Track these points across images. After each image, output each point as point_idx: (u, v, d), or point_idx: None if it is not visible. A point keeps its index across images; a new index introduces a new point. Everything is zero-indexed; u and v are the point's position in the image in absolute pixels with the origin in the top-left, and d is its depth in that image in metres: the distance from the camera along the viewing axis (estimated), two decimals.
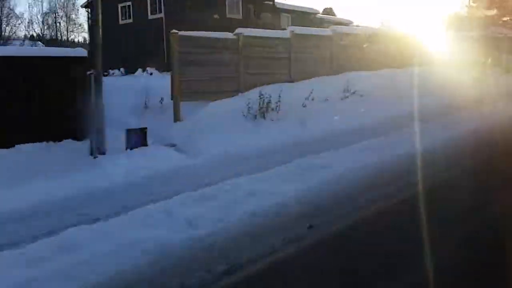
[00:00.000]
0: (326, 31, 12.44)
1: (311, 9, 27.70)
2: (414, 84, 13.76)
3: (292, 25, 24.91)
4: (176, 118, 8.85)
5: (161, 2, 18.16)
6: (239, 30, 10.03)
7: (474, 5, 27.49)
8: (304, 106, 10.33)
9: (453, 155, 5.97)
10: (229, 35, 9.84)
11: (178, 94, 8.79)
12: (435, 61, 16.61)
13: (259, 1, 21.09)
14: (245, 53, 10.11)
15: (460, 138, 6.95)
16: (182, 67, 8.85)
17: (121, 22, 19.86)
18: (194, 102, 9.55)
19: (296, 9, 25.90)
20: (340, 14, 64.96)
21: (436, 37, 17.32)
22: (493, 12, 26.33)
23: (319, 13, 28.00)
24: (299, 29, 11.46)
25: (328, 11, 61.67)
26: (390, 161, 5.28)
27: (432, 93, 12.93)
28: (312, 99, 10.47)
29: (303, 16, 27.06)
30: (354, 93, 11.66)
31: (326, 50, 12.35)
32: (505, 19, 26.84)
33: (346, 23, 34.19)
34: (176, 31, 8.72)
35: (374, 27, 17.32)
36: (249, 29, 10.37)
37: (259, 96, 9.41)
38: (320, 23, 28.64)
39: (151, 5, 18.64)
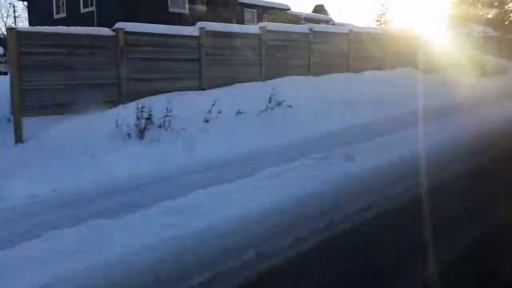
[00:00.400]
0: (252, 29, 10.31)
1: (282, 4, 25.51)
2: (361, 92, 11.68)
3: (258, 22, 22.80)
4: (18, 138, 6.75)
5: None
6: (119, 24, 7.91)
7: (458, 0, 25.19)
8: (206, 122, 8.22)
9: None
10: (104, 31, 7.75)
11: (18, 107, 6.69)
12: (399, 63, 14.51)
13: None
14: (130, 54, 8.01)
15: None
16: (26, 71, 6.77)
17: (55, 16, 17.74)
18: (57, 116, 7.49)
19: (263, 4, 23.71)
20: (334, 13, 62.63)
21: (405, 37, 15.19)
22: (478, 8, 24.12)
23: (290, 9, 25.76)
24: (212, 25, 9.34)
25: (319, 9, 59.81)
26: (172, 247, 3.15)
27: (378, 104, 10.82)
28: (219, 112, 8.35)
29: (272, 12, 24.86)
30: (280, 104, 9.55)
31: (252, 51, 10.23)
32: (490, 16, 24.59)
33: (327, 21, 32.04)
34: (14, 26, 6.61)
35: (332, 26, 15.22)
36: (135, 23, 8.25)
37: (137, 109, 7.32)
38: (294, 20, 26.47)
39: None
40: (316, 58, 11.82)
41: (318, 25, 12.08)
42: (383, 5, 29.07)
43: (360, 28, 13.46)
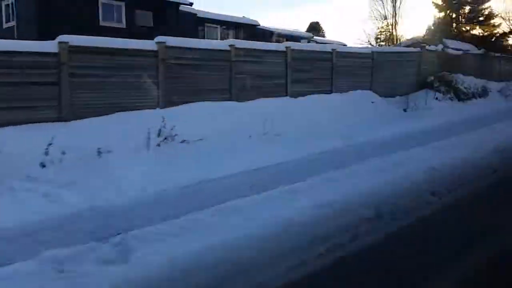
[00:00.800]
0: (146, 45, 8.31)
1: (250, 20, 23.67)
2: (294, 121, 9.65)
3: (222, 39, 20.94)
4: None
5: (14, 8, 14.28)
6: None
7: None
8: (43, 167, 6.16)
9: None
10: None
11: None
12: (354, 85, 12.48)
13: (163, 8, 17.09)
14: None
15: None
16: None
17: None
18: None
19: (229, 20, 21.84)
20: (330, 31, 60.69)
21: (362, 56, 13.18)
22: (461, 24, 21.89)
23: (259, 25, 23.87)
24: (77, 40, 7.33)
25: (314, 26, 58.29)
26: None
27: (311, 136, 8.78)
28: (63, 154, 6.29)
29: (244, 29, 23.04)
30: (172, 138, 7.50)
31: (145, 71, 8.23)
32: (475, 32, 22.32)
33: (307, 38, 30.10)
34: None
35: (270, 43, 13.34)
36: None
37: None
38: (269, 37, 24.65)
39: (5, 11, 14.79)
40: (240, 80, 9.79)
41: (243, 41, 10.09)
42: (384, 21, 26.87)
43: (302, 45, 11.49)
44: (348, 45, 29.70)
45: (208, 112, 8.95)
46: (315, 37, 33.86)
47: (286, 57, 10.80)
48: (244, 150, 7.76)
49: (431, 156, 6.42)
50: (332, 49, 11.90)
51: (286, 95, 10.87)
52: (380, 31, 31.44)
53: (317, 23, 58.50)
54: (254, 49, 10.15)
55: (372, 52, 13.02)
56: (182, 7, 19.16)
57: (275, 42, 23.33)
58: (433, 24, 22.29)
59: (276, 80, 10.64)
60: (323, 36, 50.37)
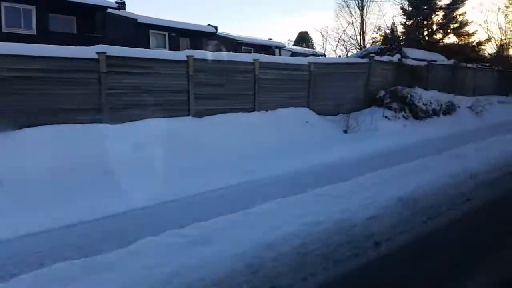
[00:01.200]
0: None
1: (206, 27, 21.64)
2: (182, 150, 7.58)
3: (171, 48, 18.99)
4: None
5: None
6: None
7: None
8: None
9: None
10: None
11: None
12: (286, 102, 10.46)
13: (90, 12, 15.13)
14: None
15: None
16: None
17: None
18: None
19: (179, 26, 19.83)
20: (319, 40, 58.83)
21: (297, 67, 11.15)
22: (431, 31, 19.72)
23: (216, 33, 21.86)
24: None
25: (303, 35, 56.45)
26: None
27: (201, 170, 6.70)
28: None
29: (200, 37, 21.09)
30: None
31: None
32: (448, 40, 20.25)
33: (279, 47, 28.19)
34: None
35: (171, 51, 11.35)
36: None
37: None
38: (235, 46, 22.69)
39: None
40: (118, 96, 7.74)
41: (120, 48, 8.00)
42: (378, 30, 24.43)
43: (210, 54, 9.39)
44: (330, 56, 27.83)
45: (54, 140, 6.87)
46: (289, 47, 31.95)
47: (189, 68, 8.77)
48: (79, 194, 5.65)
49: (309, 210, 4.31)
50: (254, 59, 9.85)
51: (189, 114, 8.83)
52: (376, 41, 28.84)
53: (306, 32, 56.80)
54: (138, 58, 8.10)
55: (309, 63, 10.96)
56: (120, 12, 17.28)
57: (243, 52, 21.34)
58: (390, 32, 20.20)
59: (173, 97, 8.59)
60: (312, 47, 48.43)
